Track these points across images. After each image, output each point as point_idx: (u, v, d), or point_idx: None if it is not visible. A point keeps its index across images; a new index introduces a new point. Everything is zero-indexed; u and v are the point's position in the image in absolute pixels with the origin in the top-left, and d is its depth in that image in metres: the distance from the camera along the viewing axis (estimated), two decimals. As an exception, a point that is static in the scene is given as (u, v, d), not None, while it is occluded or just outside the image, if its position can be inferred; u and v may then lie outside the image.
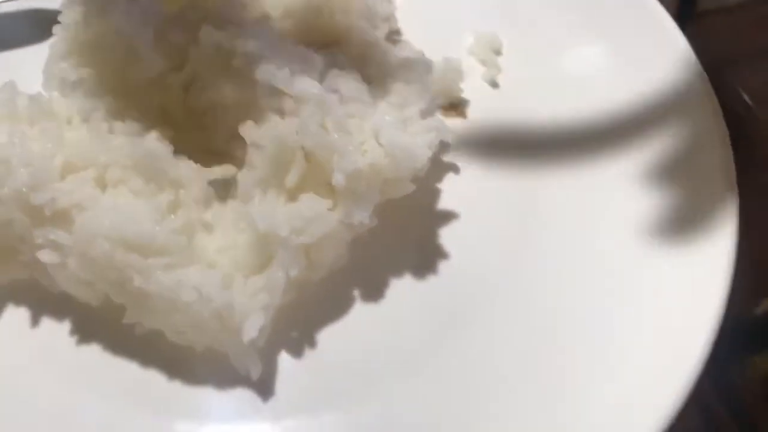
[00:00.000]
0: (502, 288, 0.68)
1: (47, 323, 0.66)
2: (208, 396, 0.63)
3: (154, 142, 0.65)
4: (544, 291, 0.67)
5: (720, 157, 0.70)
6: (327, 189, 0.64)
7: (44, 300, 0.66)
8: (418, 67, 0.72)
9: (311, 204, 0.63)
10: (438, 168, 0.75)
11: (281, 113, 0.64)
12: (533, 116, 0.78)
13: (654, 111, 0.75)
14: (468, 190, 0.74)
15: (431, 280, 0.70)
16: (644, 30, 0.80)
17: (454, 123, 0.77)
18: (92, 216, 0.60)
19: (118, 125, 0.67)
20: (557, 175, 0.74)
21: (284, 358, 0.65)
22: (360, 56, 0.72)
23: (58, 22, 0.70)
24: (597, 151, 0.75)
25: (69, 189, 0.61)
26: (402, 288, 0.69)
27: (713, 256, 0.65)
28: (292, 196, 0.64)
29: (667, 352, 0.61)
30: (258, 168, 0.63)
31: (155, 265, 0.59)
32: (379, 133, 0.65)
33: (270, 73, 0.64)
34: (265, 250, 0.63)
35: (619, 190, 0.71)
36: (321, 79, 0.67)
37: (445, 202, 0.74)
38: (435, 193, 0.74)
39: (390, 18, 0.80)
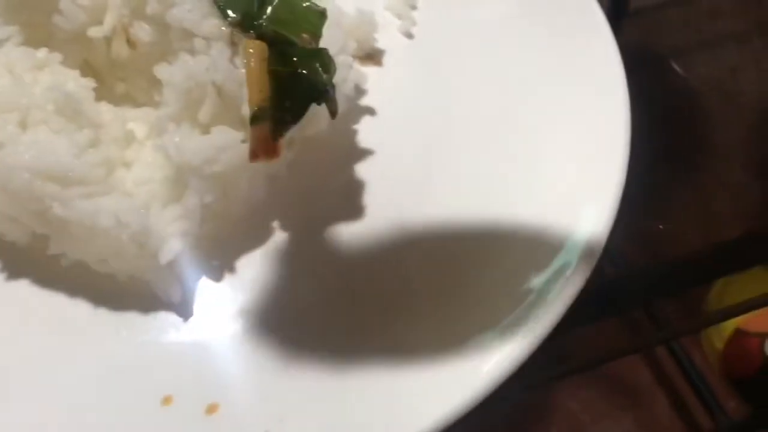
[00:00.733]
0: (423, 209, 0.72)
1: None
2: (131, 319, 0.65)
3: (75, 87, 0.68)
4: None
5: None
6: (240, 123, 0.68)
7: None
8: (331, 15, 0.76)
9: (223, 135, 0.66)
10: (354, 111, 0.79)
11: (193, 53, 0.68)
12: (446, 63, 0.82)
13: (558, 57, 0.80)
14: (384, 130, 0.78)
15: (350, 213, 0.73)
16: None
17: (370, 71, 0.82)
18: (12, 151, 0.63)
19: (42, 76, 0.70)
20: (468, 115, 0.78)
21: (204, 283, 0.67)
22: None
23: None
24: (506, 94, 0.80)
25: (-10, 129, 0.65)
26: (322, 220, 0.72)
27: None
28: (206, 130, 0.67)
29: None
30: (171, 105, 0.67)
31: (74, 194, 0.63)
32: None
33: (181, 16, 0.68)
34: (180, 182, 0.66)
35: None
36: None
37: (362, 141, 0.77)
38: (352, 133, 0.78)
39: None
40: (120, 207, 0.63)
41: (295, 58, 0.65)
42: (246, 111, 0.65)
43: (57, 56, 0.72)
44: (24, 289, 0.67)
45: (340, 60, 0.73)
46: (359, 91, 0.79)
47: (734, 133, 1.16)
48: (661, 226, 0.95)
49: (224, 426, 0.58)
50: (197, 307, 0.66)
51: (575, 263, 0.62)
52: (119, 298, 0.66)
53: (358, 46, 0.82)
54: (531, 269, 0.64)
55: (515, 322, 0.60)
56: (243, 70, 0.66)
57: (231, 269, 0.68)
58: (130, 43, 0.72)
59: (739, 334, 1.52)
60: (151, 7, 0.69)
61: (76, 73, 0.71)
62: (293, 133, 0.68)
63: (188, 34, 0.68)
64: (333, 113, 0.67)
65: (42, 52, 0.72)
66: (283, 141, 0.66)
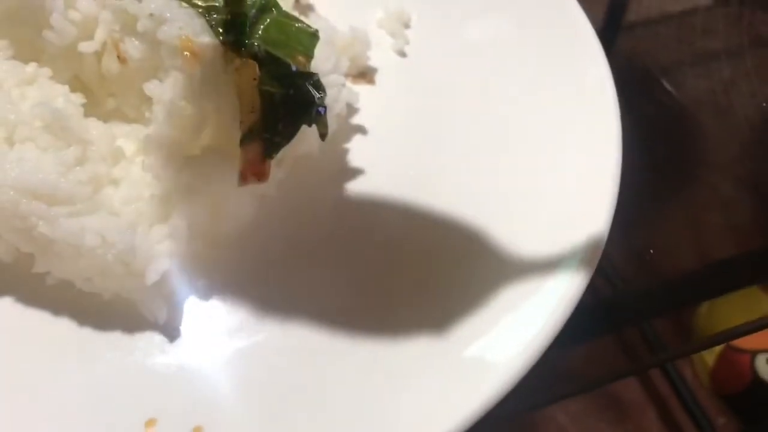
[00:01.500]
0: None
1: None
2: (116, 340, 0.65)
3: (64, 103, 0.68)
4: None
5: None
6: (229, 143, 0.67)
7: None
8: (324, 34, 0.76)
9: (211, 156, 0.66)
10: (346, 130, 0.78)
11: (183, 71, 0.67)
12: (438, 82, 0.82)
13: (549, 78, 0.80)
14: (375, 149, 0.78)
15: (340, 232, 0.72)
16: (546, 3, 0.85)
17: (362, 89, 0.81)
18: (-2, 168, 0.62)
19: (31, 91, 0.70)
20: (459, 135, 0.78)
21: (191, 304, 0.67)
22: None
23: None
24: (498, 114, 0.80)
25: (-23, 146, 0.64)
26: (311, 239, 0.72)
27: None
28: (194, 149, 0.67)
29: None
30: (161, 122, 0.66)
31: (60, 212, 0.62)
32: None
33: (172, 33, 0.67)
34: (168, 201, 0.66)
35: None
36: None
37: (352, 161, 0.77)
38: (343, 153, 0.78)
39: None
40: (106, 226, 0.63)
41: (286, 79, 0.65)
42: (236, 131, 0.65)
43: (46, 71, 0.72)
44: (7, 307, 0.66)
45: (332, 79, 0.73)
46: (351, 110, 0.79)
47: (726, 149, 1.17)
48: (651, 251, 0.95)
49: (209, 450, 0.58)
50: (184, 328, 0.65)
51: (570, 279, 0.62)
52: (104, 317, 0.65)
53: (351, 64, 0.81)
54: (527, 286, 0.64)
55: (512, 338, 0.60)
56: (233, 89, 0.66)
57: (219, 289, 0.68)
58: (121, 59, 0.71)
59: (729, 350, 1.53)
60: (142, 24, 0.68)
61: (65, 88, 0.71)
62: (283, 152, 0.67)
63: (179, 52, 0.68)
64: (323, 135, 0.67)
65: (31, 67, 0.71)
66: (273, 161, 0.66)
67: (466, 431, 0.56)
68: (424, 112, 0.80)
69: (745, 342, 1.49)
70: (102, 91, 0.75)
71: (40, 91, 0.69)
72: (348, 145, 0.78)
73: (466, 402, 0.57)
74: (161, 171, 0.65)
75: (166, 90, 0.66)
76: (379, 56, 0.84)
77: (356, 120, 0.79)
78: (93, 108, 0.73)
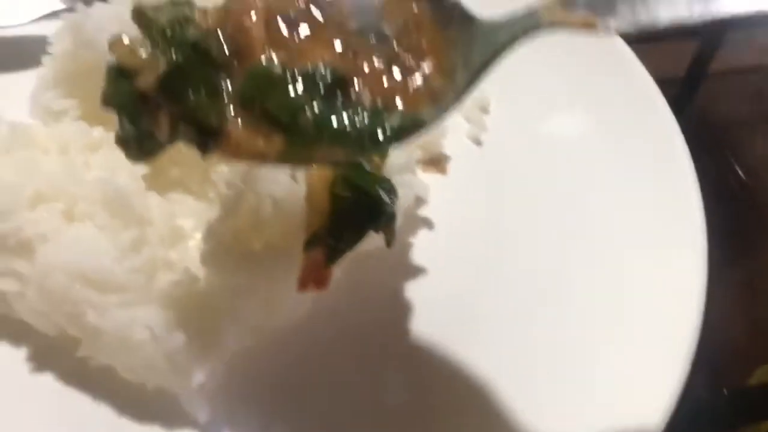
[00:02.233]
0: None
1: (4, 347, 0.66)
2: (154, 433, 0.62)
3: (127, 180, 0.65)
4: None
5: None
6: (291, 240, 0.64)
7: (3, 323, 0.66)
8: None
9: (274, 257, 0.63)
10: (411, 223, 0.75)
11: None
12: (513, 176, 0.78)
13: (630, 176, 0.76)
14: (440, 247, 0.74)
15: (393, 333, 0.69)
16: (628, 97, 0.80)
17: (432, 178, 0.78)
18: (54, 248, 0.60)
19: (95, 158, 0.67)
20: (529, 240, 0.74)
21: (234, 402, 0.64)
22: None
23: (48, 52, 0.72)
24: (573, 220, 0.75)
25: (35, 219, 0.62)
26: (364, 338, 0.69)
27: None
28: (256, 244, 0.64)
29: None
30: (225, 214, 0.63)
31: (110, 301, 0.60)
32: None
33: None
34: (223, 296, 0.63)
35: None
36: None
37: (414, 257, 0.74)
38: (406, 247, 0.74)
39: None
40: (156, 320, 0.60)
41: (359, 183, 0.61)
42: (299, 231, 0.62)
43: (112, 136, 0.69)
44: (48, 383, 0.65)
45: (405, 179, 0.69)
46: (419, 201, 0.75)
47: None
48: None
49: None
50: (224, 428, 0.63)
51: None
52: (144, 408, 0.63)
53: (424, 150, 0.78)
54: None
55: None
56: (303, 188, 0.63)
57: (265, 392, 0.65)
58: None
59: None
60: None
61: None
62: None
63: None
64: (389, 243, 0.64)
65: (97, 131, 0.69)
66: (334, 267, 0.62)
67: None
68: (494, 213, 0.77)
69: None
70: (167, 158, 0.72)
71: (105, 160, 0.67)
72: (412, 239, 0.74)
73: None
74: (219, 263, 0.62)
75: (233, 177, 0.63)
76: (454, 142, 0.80)
77: (423, 212, 0.76)
78: (156, 177, 0.70)
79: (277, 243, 0.64)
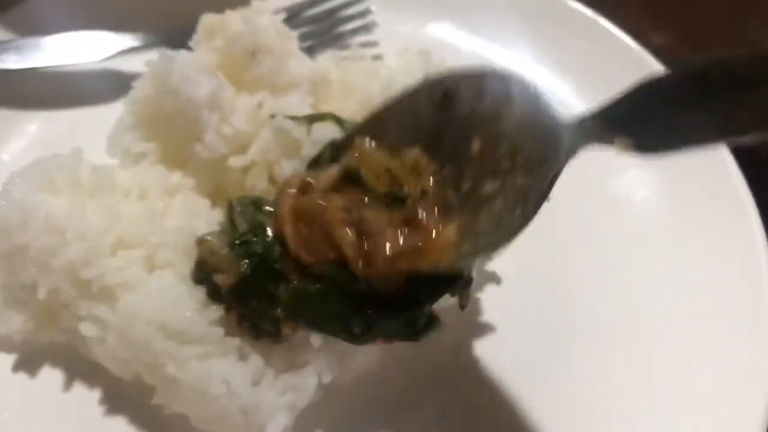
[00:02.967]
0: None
1: (78, 389, 0.68)
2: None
3: (204, 227, 0.66)
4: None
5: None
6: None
7: (78, 365, 0.68)
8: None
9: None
10: (479, 278, 0.75)
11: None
12: (582, 236, 0.79)
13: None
14: (506, 302, 0.75)
15: (459, 390, 0.70)
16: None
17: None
18: (136, 297, 0.61)
19: (174, 204, 0.68)
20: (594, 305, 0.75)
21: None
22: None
23: (131, 87, 0.73)
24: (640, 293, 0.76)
25: (118, 266, 0.63)
26: (431, 393, 0.70)
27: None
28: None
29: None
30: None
31: (189, 353, 0.60)
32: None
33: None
34: (301, 349, 0.63)
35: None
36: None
37: (480, 313, 0.74)
38: (473, 302, 0.74)
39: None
40: (233, 373, 0.61)
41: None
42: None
43: (190, 181, 0.70)
44: (120, 427, 0.65)
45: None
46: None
47: None
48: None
49: None
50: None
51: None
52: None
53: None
54: None
55: None
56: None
57: (331, 444, 0.66)
58: (272, 179, 0.69)
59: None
60: (306, 150, 0.66)
61: (206, 203, 0.69)
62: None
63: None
64: (463, 307, 0.64)
65: (176, 176, 0.70)
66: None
67: None
68: (561, 269, 0.77)
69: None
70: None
71: (183, 205, 0.68)
72: (480, 295, 0.74)
73: None
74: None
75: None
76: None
77: (491, 266, 0.76)
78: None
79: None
